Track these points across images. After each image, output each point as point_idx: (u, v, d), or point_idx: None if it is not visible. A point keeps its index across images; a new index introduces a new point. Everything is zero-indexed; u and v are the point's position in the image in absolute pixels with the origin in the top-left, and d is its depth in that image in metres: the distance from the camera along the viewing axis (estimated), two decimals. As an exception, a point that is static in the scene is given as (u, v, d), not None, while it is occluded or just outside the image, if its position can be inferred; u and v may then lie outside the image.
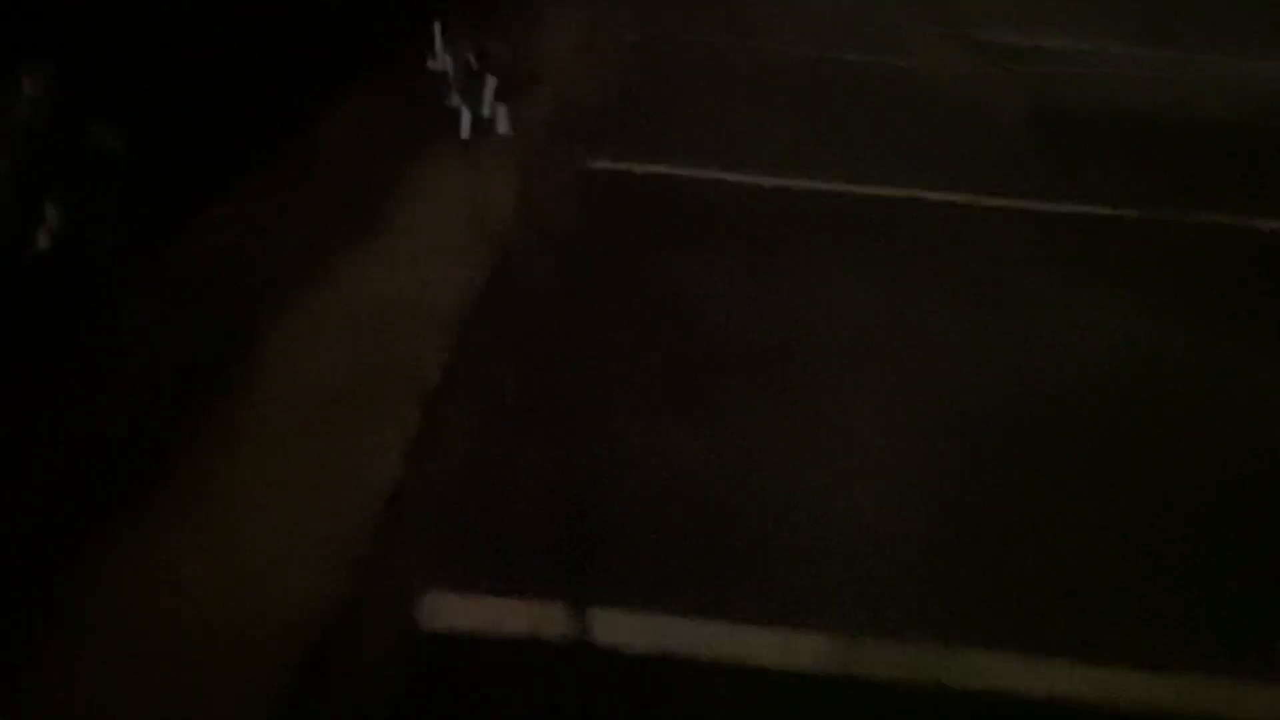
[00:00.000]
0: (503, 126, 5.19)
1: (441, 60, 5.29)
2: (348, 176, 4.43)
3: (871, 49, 7.95)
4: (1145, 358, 3.50)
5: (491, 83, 5.23)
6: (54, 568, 2.06)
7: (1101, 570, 2.42)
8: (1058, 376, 3.35)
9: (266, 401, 2.74)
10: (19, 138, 2.88)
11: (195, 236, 3.51)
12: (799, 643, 2.10)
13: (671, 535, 2.40)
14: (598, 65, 6.76)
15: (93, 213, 3.02)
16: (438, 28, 5.35)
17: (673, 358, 3.32)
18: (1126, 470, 2.85)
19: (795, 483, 2.65)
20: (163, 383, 2.78)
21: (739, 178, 4.98)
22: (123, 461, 2.42)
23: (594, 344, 3.35)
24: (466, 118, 5.16)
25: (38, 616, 1.96)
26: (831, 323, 3.62)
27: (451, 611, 2.12)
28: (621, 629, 2.10)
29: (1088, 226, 4.72)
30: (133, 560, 2.14)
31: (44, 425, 2.55)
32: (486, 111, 5.18)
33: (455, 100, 5.22)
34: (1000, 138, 6.00)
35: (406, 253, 3.80)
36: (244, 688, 1.87)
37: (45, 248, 2.86)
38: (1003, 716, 2.00)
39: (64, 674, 1.87)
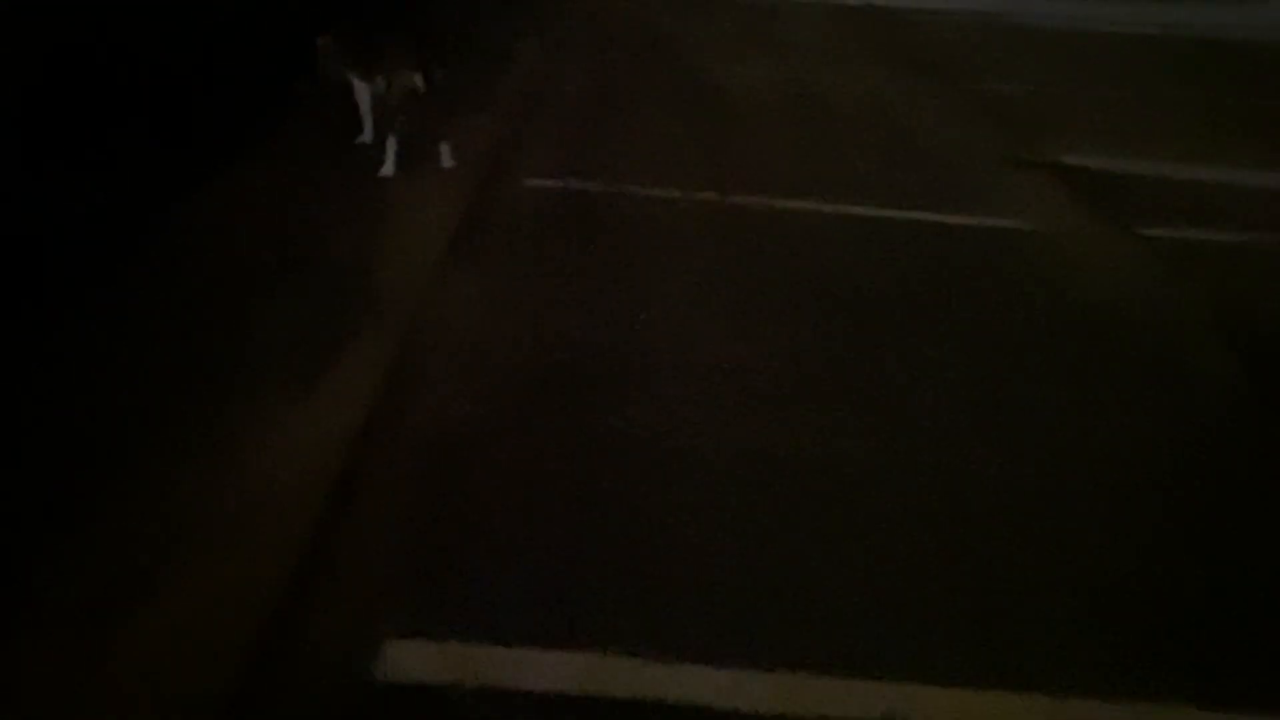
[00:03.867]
0: (446, 160, 4.73)
1: (334, 78, 4.72)
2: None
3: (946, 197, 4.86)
4: None
5: (434, 109, 4.68)
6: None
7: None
8: None
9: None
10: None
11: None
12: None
13: None
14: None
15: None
16: (330, 43, 4.67)
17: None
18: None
19: None
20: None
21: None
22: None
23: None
24: (392, 150, 4.57)
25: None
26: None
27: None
28: None
29: None
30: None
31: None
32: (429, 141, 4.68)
33: (368, 133, 4.77)
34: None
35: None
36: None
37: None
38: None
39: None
